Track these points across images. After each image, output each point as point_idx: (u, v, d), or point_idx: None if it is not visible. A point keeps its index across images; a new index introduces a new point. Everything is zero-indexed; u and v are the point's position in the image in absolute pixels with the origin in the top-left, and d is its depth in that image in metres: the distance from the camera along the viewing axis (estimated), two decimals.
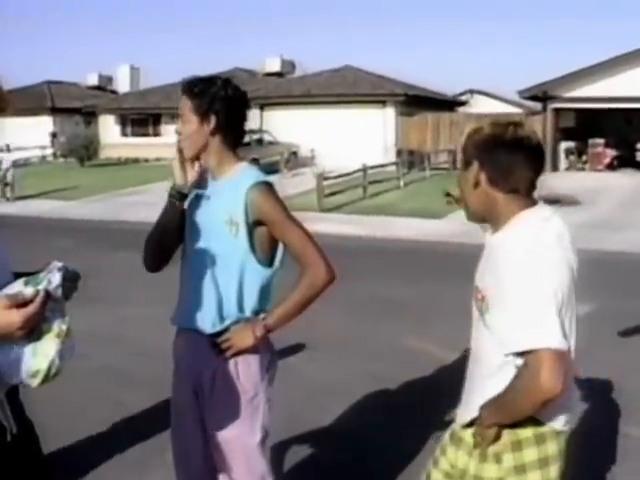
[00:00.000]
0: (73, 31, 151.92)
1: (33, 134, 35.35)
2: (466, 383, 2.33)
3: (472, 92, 44.65)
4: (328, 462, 4.31)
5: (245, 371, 2.74)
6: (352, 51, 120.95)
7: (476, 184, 2.15)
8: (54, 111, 38.09)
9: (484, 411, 2.10)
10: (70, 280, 1.87)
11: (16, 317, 1.72)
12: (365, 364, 6.09)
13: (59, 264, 1.84)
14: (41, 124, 37.11)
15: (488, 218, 2.21)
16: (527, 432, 2.09)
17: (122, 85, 43.52)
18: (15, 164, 20.95)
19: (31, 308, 1.74)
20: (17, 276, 1.90)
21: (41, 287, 1.78)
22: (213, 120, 2.66)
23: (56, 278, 1.80)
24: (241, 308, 2.72)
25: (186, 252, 2.84)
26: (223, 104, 2.67)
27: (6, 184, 19.47)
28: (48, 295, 1.78)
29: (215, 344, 2.72)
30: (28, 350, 1.79)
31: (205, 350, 2.74)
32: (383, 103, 29.80)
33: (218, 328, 2.72)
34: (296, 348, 6.01)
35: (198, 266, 2.73)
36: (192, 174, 2.70)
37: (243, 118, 2.78)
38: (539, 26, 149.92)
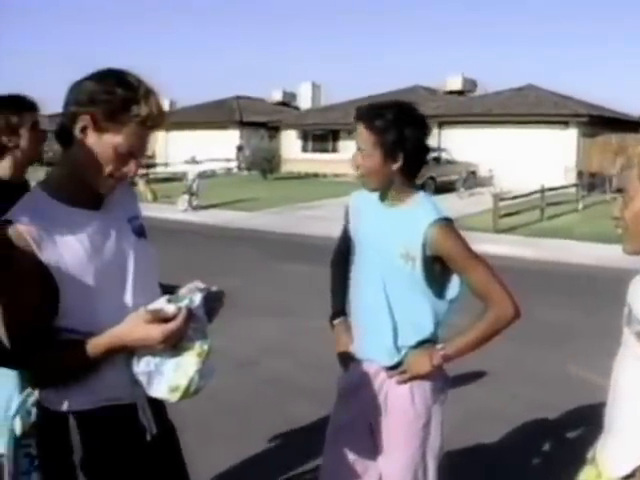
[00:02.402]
0: (258, 49, 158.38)
1: (221, 146, 37.21)
2: (614, 428, 2.13)
3: None
4: None
5: (420, 395, 2.73)
6: (535, 70, 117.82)
7: None
8: (242, 125, 39.71)
9: None
10: (214, 300, 1.92)
11: (156, 332, 1.78)
12: (524, 389, 5.98)
13: (201, 285, 1.88)
14: (229, 137, 38.97)
15: None
16: None
17: (304, 102, 44.88)
18: (201, 175, 22.14)
19: (172, 325, 1.78)
20: (163, 288, 1.97)
21: (183, 305, 1.81)
22: (401, 158, 2.58)
23: (198, 298, 1.84)
24: (416, 340, 2.72)
25: (359, 282, 2.84)
26: (412, 142, 2.57)
27: (192, 194, 20.66)
28: (190, 314, 1.81)
29: (391, 371, 2.73)
30: (171, 364, 1.82)
31: (380, 378, 2.75)
32: (565, 124, 28.78)
33: (396, 360, 2.72)
34: (457, 370, 5.95)
35: (372, 298, 2.73)
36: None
37: (427, 150, 2.69)
38: None
